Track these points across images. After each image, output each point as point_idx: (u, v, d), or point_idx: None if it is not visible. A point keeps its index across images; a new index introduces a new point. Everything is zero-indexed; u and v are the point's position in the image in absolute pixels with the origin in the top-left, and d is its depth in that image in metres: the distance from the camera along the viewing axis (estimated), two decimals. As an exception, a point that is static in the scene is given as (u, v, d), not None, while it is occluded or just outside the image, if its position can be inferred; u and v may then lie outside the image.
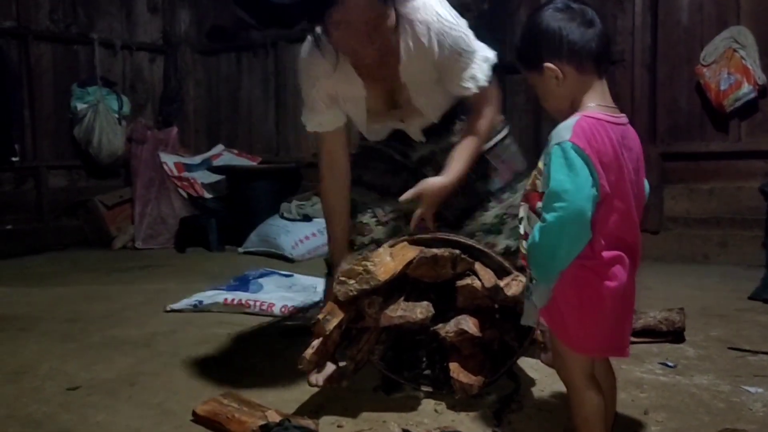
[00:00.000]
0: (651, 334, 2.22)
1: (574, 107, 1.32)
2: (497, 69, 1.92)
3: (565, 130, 1.25)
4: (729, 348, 2.17)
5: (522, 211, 1.36)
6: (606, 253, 1.27)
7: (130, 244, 4.81)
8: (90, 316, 2.77)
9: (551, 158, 1.24)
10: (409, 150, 2.09)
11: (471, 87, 1.85)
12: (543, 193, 1.28)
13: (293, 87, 5.28)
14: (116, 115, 4.97)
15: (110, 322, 2.69)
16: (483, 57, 1.87)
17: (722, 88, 3.54)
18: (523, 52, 1.37)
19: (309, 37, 1.90)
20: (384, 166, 2.12)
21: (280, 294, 2.87)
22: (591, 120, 1.26)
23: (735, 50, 3.53)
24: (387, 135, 2.08)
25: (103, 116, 4.85)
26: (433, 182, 1.84)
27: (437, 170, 1.91)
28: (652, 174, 3.84)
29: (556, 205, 1.21)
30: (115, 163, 5.06)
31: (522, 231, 1.36)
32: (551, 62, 1.31)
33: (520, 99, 4.36)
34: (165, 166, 5.05)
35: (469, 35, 1.85)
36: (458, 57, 1.82)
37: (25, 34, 4.67)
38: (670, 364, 2.02)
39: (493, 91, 1.92)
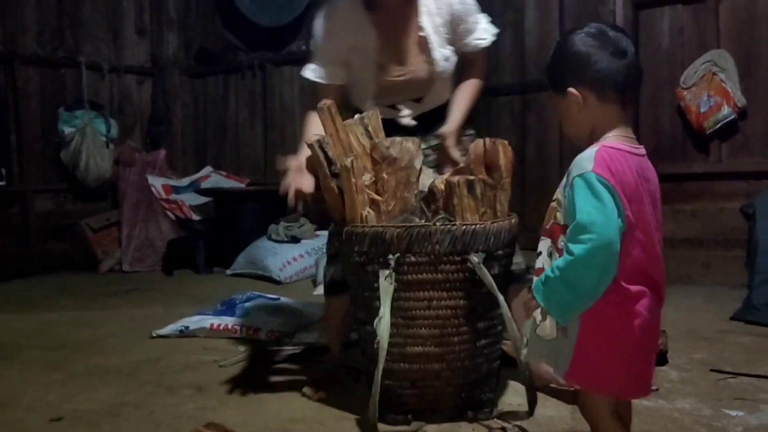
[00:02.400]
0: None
1: (593, 135, 1.32)
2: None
3: (586, 161, 1.24)
4: (711, 370, 2.19)
5: (542, 246, 1.34)
6: (631, 288, 1.24)
7: (117, 267, 4.80)
8: (74, 344, 2.76)
9: (575, 190, 1.23)
10: None
11: (487, 38, 2.15)
12: (565, 226, 1.26)
13: (281, 109, 5.31)
14: (104, 138, 4.98)
15: (95, 349, 2.68)
16: (487, 18, 2.18)
17: (702, 110, 3.59)
18: (550, 72, 1.38)
19: None
20: None
21: (266, 318, 2.87)
22: (612, 150, 1.26)
23: (715, 73, 3.58)
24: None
25: (90, 139, 4.86)
26: (442, 130, 2.08)
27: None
28: (635, 195, 3.90)
29: (584, 237, 1.18)
30: (102, 186, 5.05)
31: (540, 265, 1.32)
32: (574, 87, 1.30)
33: (506, 120, 4.41)
34: (153, 189, 5.06)
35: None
36: (470, 16, 2.12)
37: (12, 58, 4.68)
38: (653, 387, 2.03)
39: (485, 56, 2.22)
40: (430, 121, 2.16)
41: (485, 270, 1.71)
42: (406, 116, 2.16)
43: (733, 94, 3.54)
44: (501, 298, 1.72)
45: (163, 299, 3.71)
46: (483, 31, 2.15)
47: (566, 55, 1.32)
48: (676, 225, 3.81)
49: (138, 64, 5.54)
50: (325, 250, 2.35)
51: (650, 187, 1.30)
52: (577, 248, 1.19)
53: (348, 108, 2.10)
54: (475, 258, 1.71)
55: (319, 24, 2.11)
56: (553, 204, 1.32)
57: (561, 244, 1.27)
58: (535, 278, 1.31)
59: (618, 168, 1.23)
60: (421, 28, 2.08)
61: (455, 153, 2.05)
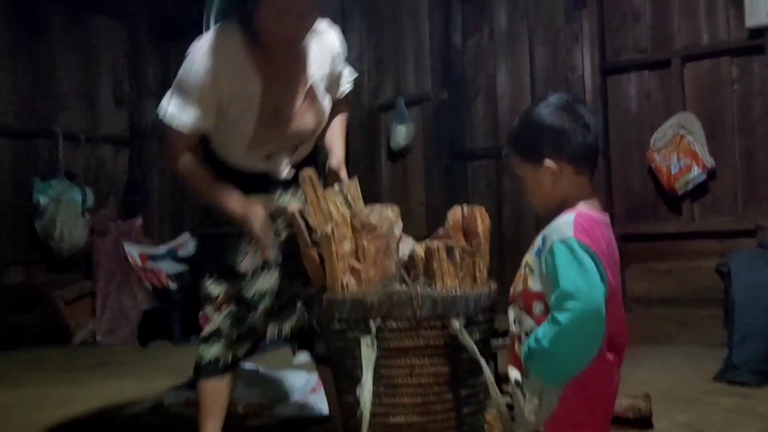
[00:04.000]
0: (617, 421, 2.21)
1: (563, 205, 1.33)
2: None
3: (566, 227, 1.24)
4: (697, 434, 2.17)
5: (511, 313, 1.33)
6: (608, 355, 1.25)
7: (90, 339, 4.68)
8: (43, 425, 2.65)
9: (556, 256, 1.22)
10: (277, 219, 2.02)
11: (351, 84, 2.13)
12: (540, 293, 1.26)
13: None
14: (79, 208, 4.94)
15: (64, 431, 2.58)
16: (349, 66, 2.13)
17: (673, 171, 3.68)
18: (521, 143, 1.37)
19: (215, 28, 1.88)
20: (255, 247, 1.99)
21: (243, 390, 2.80)
22: (588, 217, 1.28)
23: (683, 136, 3.69)
24: (254, 170, 2.00)
25: (65, 209, 4.81)
26: (333, 164, 2.02)
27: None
28: (611, 255, 3.95)
29: (571, 305, 1.17)
30: (76, 256, 4.98)
31: (516, 333, 1.32)
32: (552, 159, 1.31)
33: (480, 185, 4.47)
34: (130, 257, 4.99)
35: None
36: (342, 63, 2.07)
37: (-16, 130, 4.67)
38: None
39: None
40: (298, 171, 2.03)
41: (466, 335, 1.69)
42: (285, 169, 2.03)
43: (702, 155, 3.64)
44: (484, 363, 1.70)
45: (137, 373, 3.61)
46: (349, 77, 2.12)
47: (541, 128, 1.33)
48: (652, 284, 3.85)
49: (115, 134, 5.55)
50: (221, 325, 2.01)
51: (615, 254, 1.32)
52: (564, 317, 1.18)
53: (209, 158, 1.95)
54: (456, 323, 1.70)
55: (198, 59, 1.83)
56: (524, 271, 1.32)
57: (536, 310, 1.27)
58: (516, 345, 1.31)
59: (595, 235, 1.25)
60: (308, 77, 1.95)
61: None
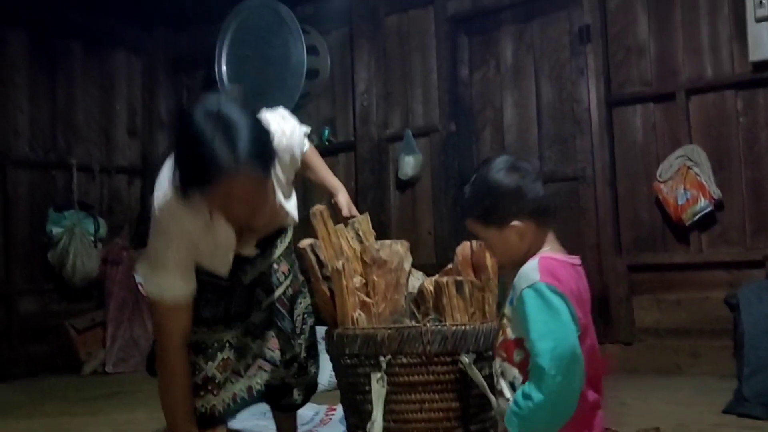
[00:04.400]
0: (628, 455, 2.21)
1: (527, 256, 1.37)
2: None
3: (531, 272, 1.29)
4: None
5: (497, 365, 1.36)
6: (590, 395, 1.26)
7: (100, 369, 4.71)
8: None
9: (525, 302, 1.26)
10: (240, 275, 1.99)
11: (308, 141, 2.05)
12: (518, 339, 1.29)
13: (268, 206, 5.39)
14: (92, 238, 5.00)
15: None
16: (293, 120, 1.99)
17: (680, 202, 3.70)
18: (482, 210, 1.40)
19: (171, 190, 1.68)
20: (216, 295, 1.97)
21: (254, 422, 2.82)
22: (552, 260, 1.33)
23: (689, 167, 3.71)
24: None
25: (78, 239, 4.87)
26: (338, 203, 2.07)
27: (267, 288, 2.00)
28: (620, 286, 3.96)
29: (545, 347, 1.19)
30: (88, 286, 5.03)
31: (501, 388, 1.34)
32: (518, 219, 1.36)
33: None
34: (140, 286, 5.03)
35: (289, 116, 1.98)
36: (294, 139, 1.94)
37: (4, 163, 4.76)
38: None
39: None
40: (267, 241, 2.03)
41: (476, 370, 1.72)
42: (249, 248, 1.97)
43: (709, 186, 3.66)
44: (493, 399, 1.72)
45: (147, 403, 3.61)
46: (302, 138, 2.01)
47: (499, 194, 1.38)
48: (662, 314, 3.85)
49: (128, 164, 5.64)
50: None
51: (585, 293, 1.36)
52: (541, 360, 1.19)
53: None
54: (465, 358, 1.72)
55: (162, 226, 1.77)
56: (503, 321, 1.36)
57: (516, 358, 1.29)
58: (499, 402, 1.33)
59: (562, 275, 1.29)
60: (275, 201, 1.85)
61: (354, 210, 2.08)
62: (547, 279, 1.26)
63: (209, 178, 1.51)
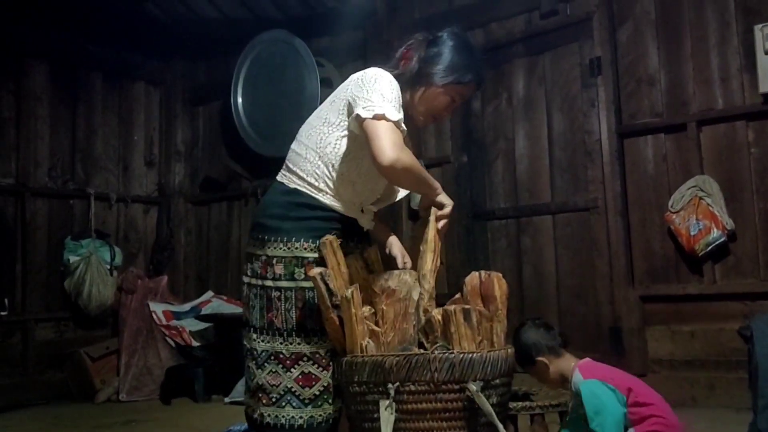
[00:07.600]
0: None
1: (564, 376, 2.26)
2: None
3: (578, 380, 2.20)
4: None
5: None
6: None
7: (114, 397, 4.73)
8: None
9: (583, 394, 2.12)
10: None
11: None
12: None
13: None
14: (108, 266, 5.07)
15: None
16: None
17: (692, 233, 3.69)
18: (519, 357, 2.18)
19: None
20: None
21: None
22: (582, 364, 2.23)
23: (701, 198, 3.71)
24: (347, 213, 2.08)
25: (94, 268, 4.94)
26: (392, 253, 2.22)
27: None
28: (633, 317, 3.94)
29: (597, 422, 2.05)
30: (103, 314, 5.08)
31: None
32: (540, 357, 2.28)
33: (501, 244, 4.51)
34: (154, 315, 5.07)
35: None
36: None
37: (23, 191, 4.86)
38: None
39: None
40: (364, 235, 2.17)
41: (483, 398, 1.72)
42: (368, 221, 2.16)
43: (721, 217, 3.66)
44: (501, 427, 1.72)
45: (160, 431, 3.64)
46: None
47: (526, 345, 2.32)
48: (676, 346, 3.82)
49: (145, 194, 5.74)
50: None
51: (617, 372, 2.27)
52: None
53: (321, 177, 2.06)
54: (473, 386, 1.73)
55: (391, 85, 2.04)
56: (572, 403, 2.26)
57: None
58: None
59: (596, 369, 2.20)
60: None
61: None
62: (588, 376, 2.18)
63: (471, 79, 2.10)
